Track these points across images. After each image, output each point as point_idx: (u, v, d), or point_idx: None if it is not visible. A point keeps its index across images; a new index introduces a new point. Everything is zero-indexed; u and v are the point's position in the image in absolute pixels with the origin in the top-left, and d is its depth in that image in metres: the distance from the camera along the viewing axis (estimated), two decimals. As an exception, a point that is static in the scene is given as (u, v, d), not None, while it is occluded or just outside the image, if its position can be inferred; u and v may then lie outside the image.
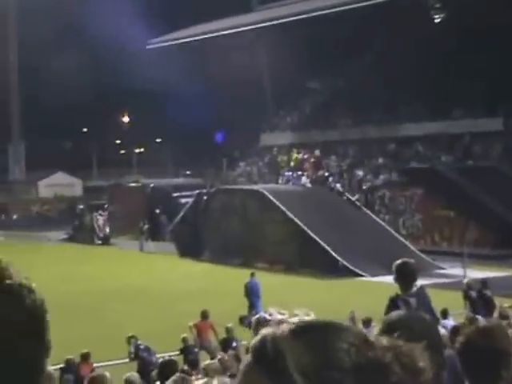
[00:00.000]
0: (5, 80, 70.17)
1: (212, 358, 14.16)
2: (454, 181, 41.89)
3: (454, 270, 32.64)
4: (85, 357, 16.59)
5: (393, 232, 39.40)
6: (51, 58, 68.08)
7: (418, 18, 50.67)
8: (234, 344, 17.46)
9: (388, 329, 2.43)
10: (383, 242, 36.84)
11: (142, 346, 17.84)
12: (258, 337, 1.28)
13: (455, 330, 9.61)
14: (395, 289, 7.81)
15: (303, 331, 1.28)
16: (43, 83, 70.48)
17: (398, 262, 7.65)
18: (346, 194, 42.56)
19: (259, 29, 55.48)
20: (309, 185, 44.73)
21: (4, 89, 70.59)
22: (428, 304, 7.83)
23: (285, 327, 1.26)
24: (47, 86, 70.28)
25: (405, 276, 7.53)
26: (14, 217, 67.79)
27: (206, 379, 7.51)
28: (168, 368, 10.60)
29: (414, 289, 7.59)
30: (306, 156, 49.06)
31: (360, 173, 46.15)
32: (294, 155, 50.62)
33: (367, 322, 17.46)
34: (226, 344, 17.33)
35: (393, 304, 7.43)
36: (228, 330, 18.11)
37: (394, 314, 2.60)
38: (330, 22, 50.46)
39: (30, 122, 71.64)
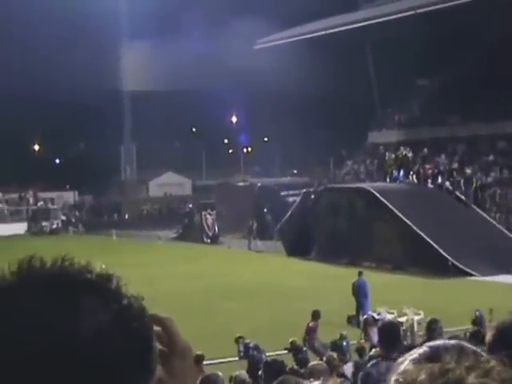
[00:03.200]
0: (115, 93, 73.34)
1: (320, 359, 14.14)
2: None
3: None
4: (198, 359, 15.60)
5: (504, 231, 38.58)
6: (161, 59, 69.38)
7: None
8: (344, 343, 17.46)
9: (501, 335, 2.45)
10: (494, 240, 36.16)
11: (251, 345, 17.93)
12: None
13: None
14: (508, 288, 7.63)
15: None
16: (150, 90, 72.09)
17: None
18: (456, 192, 41.92)
19: (366, 27, 55.09)
20: (417, 183, 44.21)
21: (116, 98, 73.66)
22: None
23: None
24: (153, 91, 71.91)
25: None
26: (126, 216, 69.18)
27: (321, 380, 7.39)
28: (273, 368, 10.59)
29: None
30: (413, 154, 48.47)
31: (469, 170, 45.32)
32: (402, 153, 50.07)
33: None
34: (336, 346, 17.24)
35: None
36: (342, 337, 17.94)
37: (508, 319, 2.62)
38: (438, 17, 49.69)
39: (141, 123, 73.13)
